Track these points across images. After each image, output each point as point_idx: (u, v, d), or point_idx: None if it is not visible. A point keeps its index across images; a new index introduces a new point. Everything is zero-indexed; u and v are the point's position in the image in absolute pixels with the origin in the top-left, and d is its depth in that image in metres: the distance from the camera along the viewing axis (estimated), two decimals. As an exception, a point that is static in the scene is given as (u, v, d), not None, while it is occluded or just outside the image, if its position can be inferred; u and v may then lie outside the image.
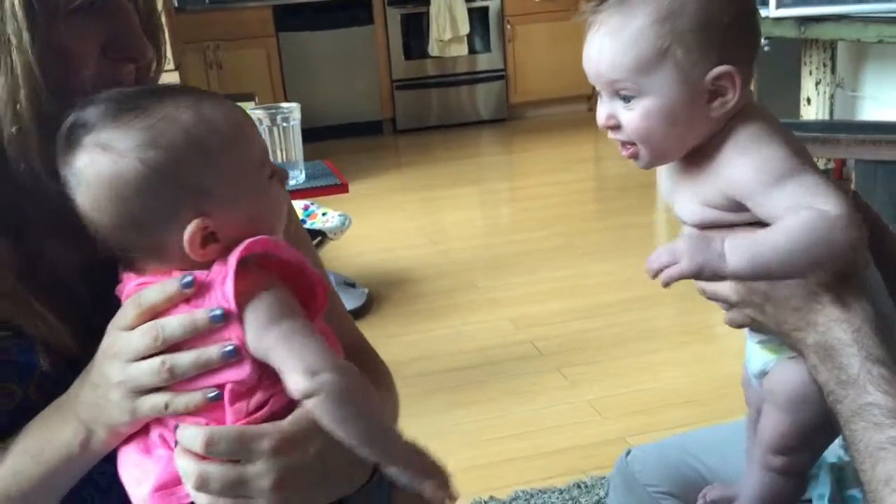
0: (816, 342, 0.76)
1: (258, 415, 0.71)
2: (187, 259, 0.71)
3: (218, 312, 0.69)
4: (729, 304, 0.87)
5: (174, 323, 0.70)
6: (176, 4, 5.35)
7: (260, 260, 0.72)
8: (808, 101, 3.79)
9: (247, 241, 0.70)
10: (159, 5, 0.84)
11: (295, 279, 0.74)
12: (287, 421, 0.71)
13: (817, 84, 3.77)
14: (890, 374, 0.72)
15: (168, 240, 0.71)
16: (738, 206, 0.79)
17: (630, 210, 4.13)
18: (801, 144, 0.80)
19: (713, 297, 0.88)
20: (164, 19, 0.85)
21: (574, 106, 6.56)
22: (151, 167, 0.69)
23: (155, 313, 0.71)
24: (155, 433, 0.73)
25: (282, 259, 0.73)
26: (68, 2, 0.71)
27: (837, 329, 0.75)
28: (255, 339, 0.70)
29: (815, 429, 0.88)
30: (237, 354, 0.70)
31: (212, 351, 0.70)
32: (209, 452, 0.69)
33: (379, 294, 3.18)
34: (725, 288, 0.84)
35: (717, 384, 2.41)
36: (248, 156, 0.74)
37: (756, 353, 0.91)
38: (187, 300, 0.71)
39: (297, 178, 2.34)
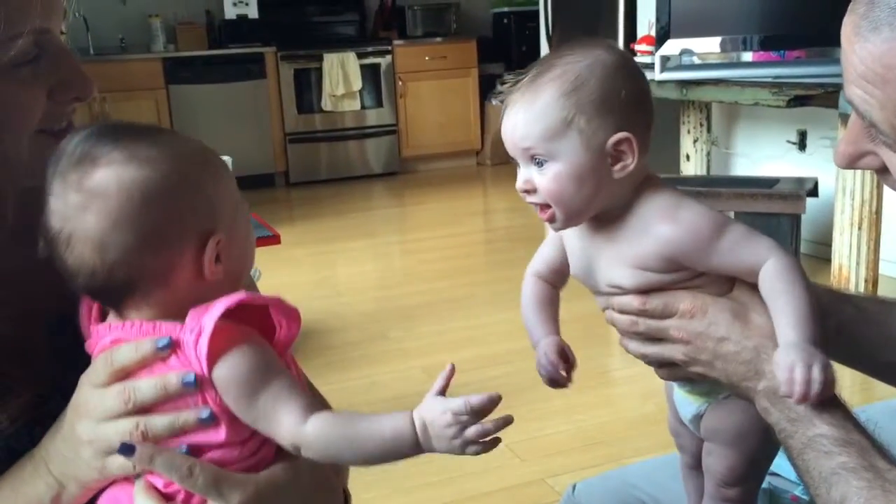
0: (766, 388, 0.83)
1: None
2: (185, 288, 0.72)
3: (191, 378, 0.69)
4: (667, 363, 0.91)
5: (146, 387, 0.70)
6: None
7: (233, 312, 0.71)
8: (688, 157, 4.06)
9: (223, 302, 0.70)
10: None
11: (265, 316, 0.75)
12: (262, 476, 0.73)
13: (695, 142, 4.04)
14: (833, 409, 0.79)
15: (181, 259, 0.72)
16: (675, 267, 0.87)
17: (521, 261, 4.15)
18: None
19: (658, 360, 0.91)
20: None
21: (463, 160, 6.75)
22: (180, 173, 0.71)
23: (127, 373, 0.71)
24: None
25: (258, 305, 0.74)
26: (11, 59, 0.70)
27: None
28: (239, 412, 0.71)
29: (759, 456, 0.96)
30: (213, 420, 0.70)
31: (188, 416, 0.70)
32: (183, 482, 0.70)
33: (288, 347, 3.16)
34: (672, 350, 0.89)
35: (623, 426, 2.53)
36: (236, 186, 0.78)
37: (686, 401, 0.97)
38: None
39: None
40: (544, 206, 0.88)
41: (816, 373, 0.77)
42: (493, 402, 0.71)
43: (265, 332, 0.74)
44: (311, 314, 3.56)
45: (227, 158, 2.61)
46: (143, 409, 0.71)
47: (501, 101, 0.89)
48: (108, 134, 0.71)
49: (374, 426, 0.71)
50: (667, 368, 0.93)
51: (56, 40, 0.74)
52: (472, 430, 0.70)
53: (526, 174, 0.88)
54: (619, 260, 0.89)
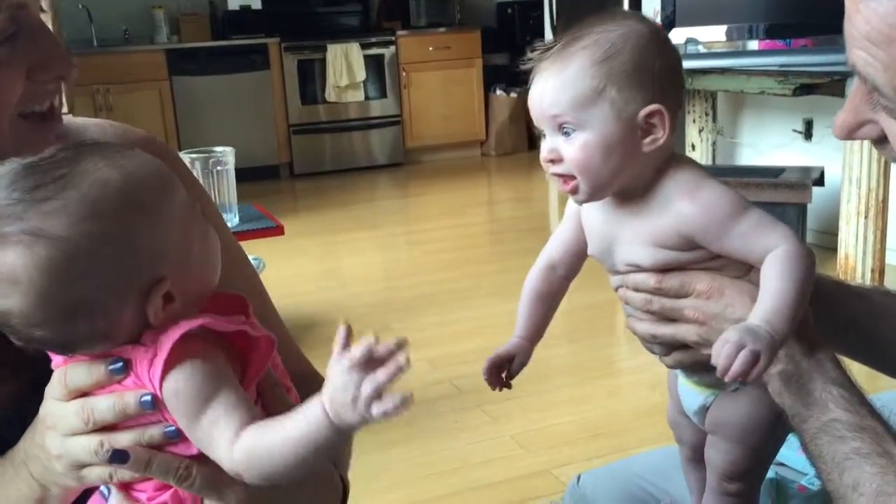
0: (781, 371, 0.82)
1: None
2: (134, 333, 0.68)
3: (147, 398, 0.67)
4: (678, 346, 0.90)
5: (104, 407, 0.68)
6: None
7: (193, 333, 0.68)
8: (693, 147, 4.04)
9: (184, 327, 0.66)
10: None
11: (234, 339, 0.71)
12: None
13: (700, 131, 4.02)
14: (849, 394, 0.79)
15: (121, 318, 0.67)
16: (692, 246, 0.86)
17: (526, 252, 4.23)
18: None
19: (668, 342, 0.90)
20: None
21: (468, 151, 6.74)
22: (99, 241, 0.64)
23: (83, 392, 0.70)
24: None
25: (220, 332, 0.70)
26: None
27: (799, 358, 0.81)
28: (188, 434, 0.68)
29: (763, 451, 0.95)
30: (179, 434, 0.68)
31: (153, 432, 0.69)
32: (181, 483, 0.69)
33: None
34: (686, 331, 0.88)
35: (629, 416, 2.53)
36: (185, 203, 0.70)
37: (692, 392, 0.96)
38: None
39: (231, 221, 2.35)
40: (568, 178, 0.86)
41: (743, 355, 0.76)
42: (379, 345, 0.62)
43: (238, 346, 0.72)
44: (315, 305, 3.57)
45: (228, 148, 2.60)
46: (107, 426, 0.70)
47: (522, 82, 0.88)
48: (15, 199, 0.64)
49: (289, 423, 0.65)
50: (675, 354, 0.91)
51: (34, 17, 0.72)
52: (365, 387, 0.61)
53: (552, 143, 0.86)
54: (639, 238, 0.88)
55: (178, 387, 0.66)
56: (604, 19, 0.87)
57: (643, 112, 0.83)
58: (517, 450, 2.35)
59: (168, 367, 0.66)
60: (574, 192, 0.86)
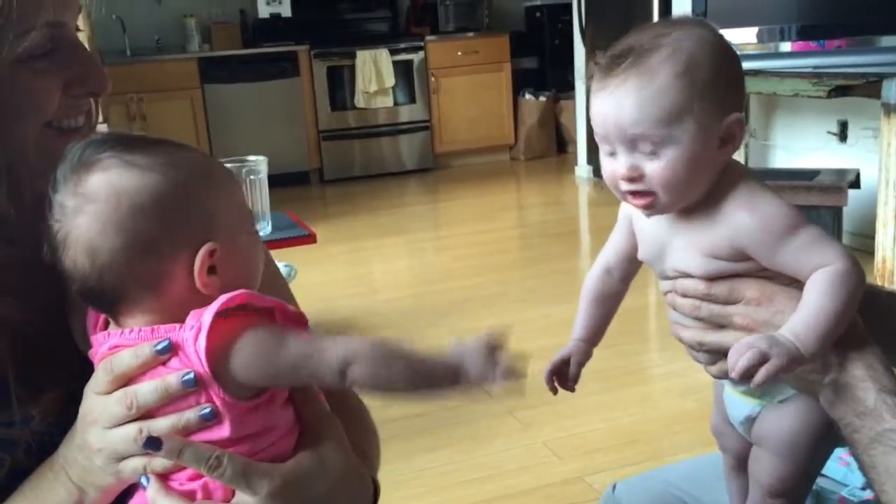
0: (833, 380, 0.81)
1: None
2: (181, 298, 0.71)
3: (190, 377, 0.69)
4: (724, 354, 0.87)
5: (147, 390, 0.70)
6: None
7: (235, 311, 0.71)
8: (725, 150, 4.00)
9: (223, 298, 0.70)
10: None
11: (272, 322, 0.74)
12: (289, 465, 0.72)
13: (732, 134, 3.98)
14: None
15: (171, 270, 0.71)
16: (744, 257, 0.84)
17: (556, 256, 4.25)
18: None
19: (715, 349, 0.89)
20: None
21: (496, 155, 6.73)
22: (175, 183, 0.71)
23: (128, 378, 0.71)
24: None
25: (259, 307, 0.73)
26: (26, 51, 0.70)
27: (852, 367, 0.80)
28: (278, 377, 0.70)
29: (810, 467, 0.93)
30: (215, 416, 0.70)
31: (189, 415, 0.70)
32: (212, 472, 0.70)
33: (324, 344, 3.16)
34: (734, 339, 0.85)
35: (661, 423, 2.50)
36: (242, 200, 0.78)
37: (738, 402, 0.94)
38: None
39: (264, 229, 2.37)
40: (644, 194, 0.84)
41: (751, 352, 0.78)
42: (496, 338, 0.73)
43: None
44: (346, 311, 3.58)
45: (261, 158, 2.63)
46: (148, 414, 0.71)
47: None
48: (111, 141, 0.72)
49: (421, 354, 0.72)
50: (721, 363, 0.89)
51: (71, 34, 0.75)
52: (501, 363, 0.71)
53: (630, 161, 0.83)
54: (692, 246, 0.87)
55: (242, 353, 0.68)
56: (667, 26, 0.85)
57: (726, 122, 0.82)
58: (550, 457, 2.34)
59: (213, 339, 0.68)
60: (649, 206, 0.85)
